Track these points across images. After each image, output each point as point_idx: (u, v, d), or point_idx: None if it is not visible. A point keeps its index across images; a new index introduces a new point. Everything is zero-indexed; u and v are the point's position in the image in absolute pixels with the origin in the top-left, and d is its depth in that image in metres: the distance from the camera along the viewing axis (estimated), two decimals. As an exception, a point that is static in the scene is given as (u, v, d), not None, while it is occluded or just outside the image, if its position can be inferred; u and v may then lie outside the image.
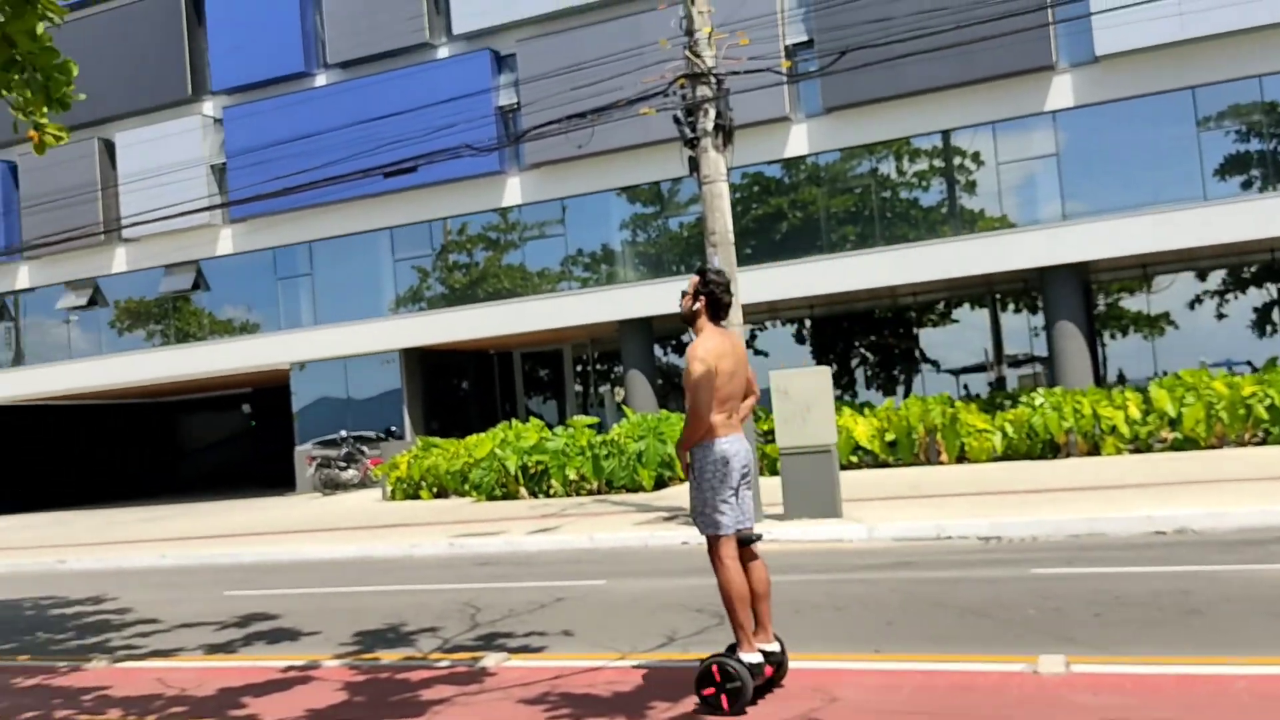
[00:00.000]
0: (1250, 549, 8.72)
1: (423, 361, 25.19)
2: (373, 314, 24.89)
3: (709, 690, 5.27)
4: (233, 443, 37.68)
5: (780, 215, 22.13)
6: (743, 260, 13.59)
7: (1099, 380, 20.51)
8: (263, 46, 24.95)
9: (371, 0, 23.94)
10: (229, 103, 25.66)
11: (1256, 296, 20.70)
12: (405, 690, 6.29)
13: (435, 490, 19.88)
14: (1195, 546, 9.08)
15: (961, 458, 17.31)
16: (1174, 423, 16.31)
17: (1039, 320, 21.76)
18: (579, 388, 27.53)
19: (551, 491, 17.77)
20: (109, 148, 26.49)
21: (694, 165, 12.59)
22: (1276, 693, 5.03)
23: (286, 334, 25.67)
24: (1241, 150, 19.21)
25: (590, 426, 18.79)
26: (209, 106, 26.10)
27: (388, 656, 7.35)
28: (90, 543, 18.19)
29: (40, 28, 5.88)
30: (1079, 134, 19.87)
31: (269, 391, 31.27)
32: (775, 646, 5.58)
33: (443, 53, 24.04)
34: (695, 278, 5.69)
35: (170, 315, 27.42)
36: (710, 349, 5.41)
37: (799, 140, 21.45)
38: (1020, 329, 22.78)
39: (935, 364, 23.29)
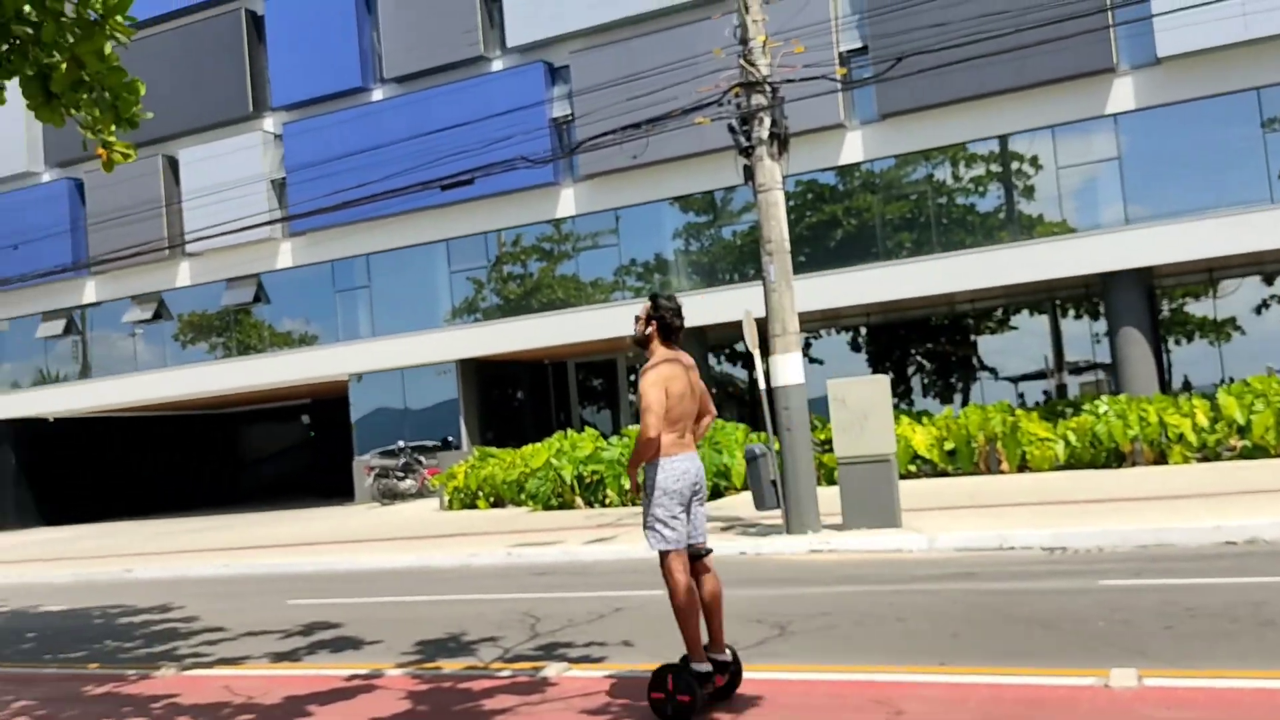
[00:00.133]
0: (1327, 560, 8.49)
1: (478, 372, 25.38)
2: (429, 325, 25.13)
3: (658, 695, 5.51)
4: (292, 453, 38.27)
5: (835, 222, 21.99)
6: (797, 268, 13.51)
7: (1164, 387, 20.08)
8: (321, 63, 25.36)
9: (427, 15, 24.23)
10: (289, 119, 26.10)
11: (1327, 300, 20.17)
12: (468, 700, 6.33)
13: (492, 500, 20.00)
14: (1268, 557, 8.85)
15: (1023, 467, 17.04)
16: (1243, 430, 15.91)
17: (1101, 326, 21.38)
18: (633, 397, 27.56)
19: (607, 501, 17.79)
20: (173, 164, 27.07)
21: (749, 174, 12.56)
22: (1360, 709, 4.88)
23: (345, 345, 26.01)
24: (1310, 151, 18.75)
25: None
26: (269, 122, 26.58)
27: (449, 666, 7.40)
28: (155, 552, 18.56)
29: (108, 48, 6.01)
30: (1141, 137, 19.52)
31: (328, 402, 31.71)
32: (728, 656, 5.78)
33: (497, 66, 24.26)
34: (648, 303, 5.88)
35: (232, 328, 27.93)
36: (662, 372, 5.66)
37: (854, 147, 21.32)
38: (1082, 335, 22.40)
39: (993, 371, 22.98)
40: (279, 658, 8.40)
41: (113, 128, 6.37)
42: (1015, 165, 20.71)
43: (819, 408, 14.58)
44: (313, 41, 25.44)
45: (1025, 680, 5.66)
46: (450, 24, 23.89)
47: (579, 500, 18.09)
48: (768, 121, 12.27)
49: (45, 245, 26.61)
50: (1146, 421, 16.33)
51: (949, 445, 17.50)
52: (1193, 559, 9.06)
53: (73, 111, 6.21)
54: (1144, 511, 11.21)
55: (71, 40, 5.83)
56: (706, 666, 5.61)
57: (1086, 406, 17.36)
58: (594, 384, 28.45)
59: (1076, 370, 22.32)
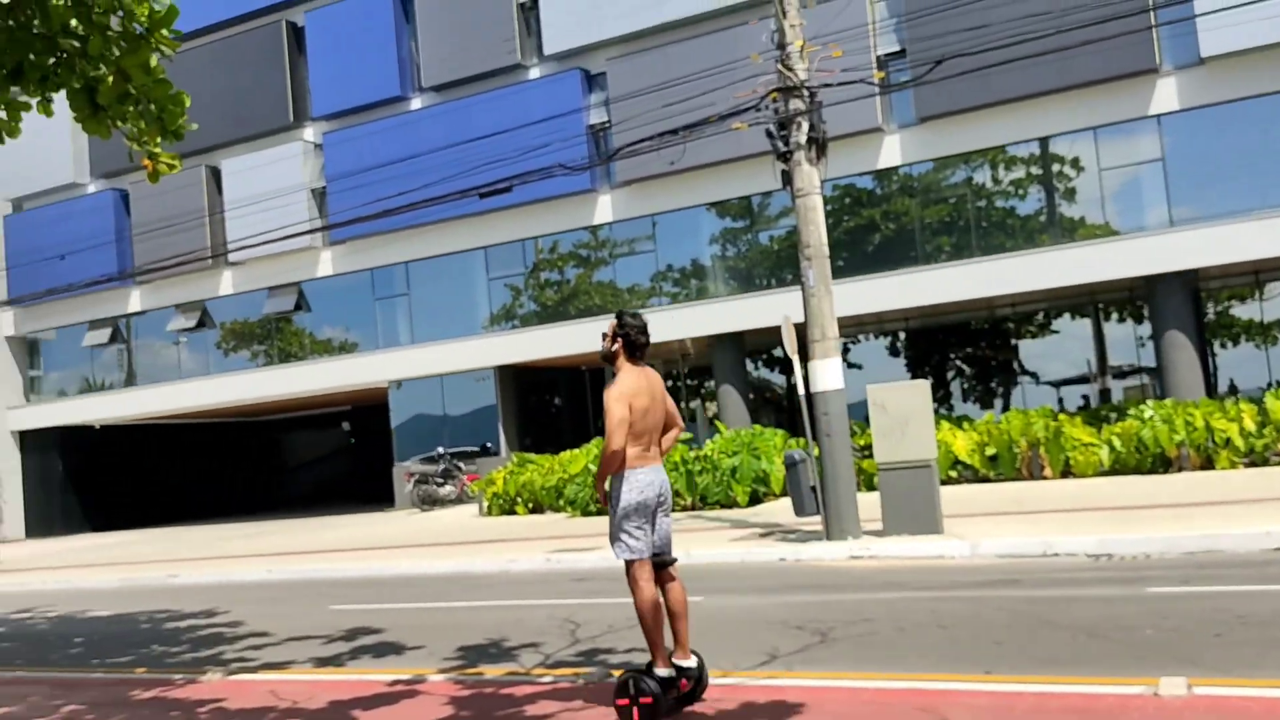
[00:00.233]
0: (1382, 568, 8.32)
1: (516, 378, 25.49)
2: (468, 332, 25.28)
3: (623, 701, 5.68)
4: (333, 459, 38.65)
5: (873, 227, 21.88)
6: (835, 273, 13.44)
7: (1210, 391, 19.78)
8: (360, 73, 25.62)
9: (464, 24, 24.41)
10: (328, 128, 26.39)
11: (1378, 302, 19.79)
12: (510, 705, 6.34)
13: (530, 506, 20.06)
14: (1321, 565, 8.69)
15: (1067, 472, 16.84)
16: (1292, 435, 15.65)
17: (1145, 330, 21.10)
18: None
19: (645, 507, 17.76)
20: (215, 175, 27.45)
21: (787, 179, 12.53)
22: None
23: (384, 353, 26.22)
24: (1360, 150, 18.40)
25: (683, 442, 18.78)
26: (309, 132, 26.87)
27: (491, 671, 7.43)
28: (199, 558, 18.78)
29: (153, 61, 6.10)
30: (1185, 138, 19.26)
31: (368, 409, 31.98)
32: (692, 663, 5.94)
33: (534, 73, 24.38)
34: (614, 320, 6.05)
35: (273, 336, 28.25)
36: (626, 388, 5.84)
37: (892, 151, 21.20)
38: (1125, 339, 22.13)
39: (1034, 376, 22.75)
40: (323, 663, 8.47)
41: (158, 139, 6.48)
42: (1056, 167, 20.49)
43: (858, 413, 14.52)
44: (352, 52, 25.71)
45: (1072, 689, 5.58)
46: (488, 33, 24.05)
47: (617, 506, 18.07)
48: (805, 126, 12.24)
49: (91, 255, 27.07)
50: (1193, 426, 16.09)
51: (990, 450, 17.34)
52: (1242, 565, 8.91)
53: (119, 124, 6.31)
54: (1191, 517, 11.04)
55: (117, 53, 5.93)
56: (669, 672, 5.79)
57: (1131, 411, 17.13)
58: (631, 390, 28.43)
59: (1120, 374, 22.04)
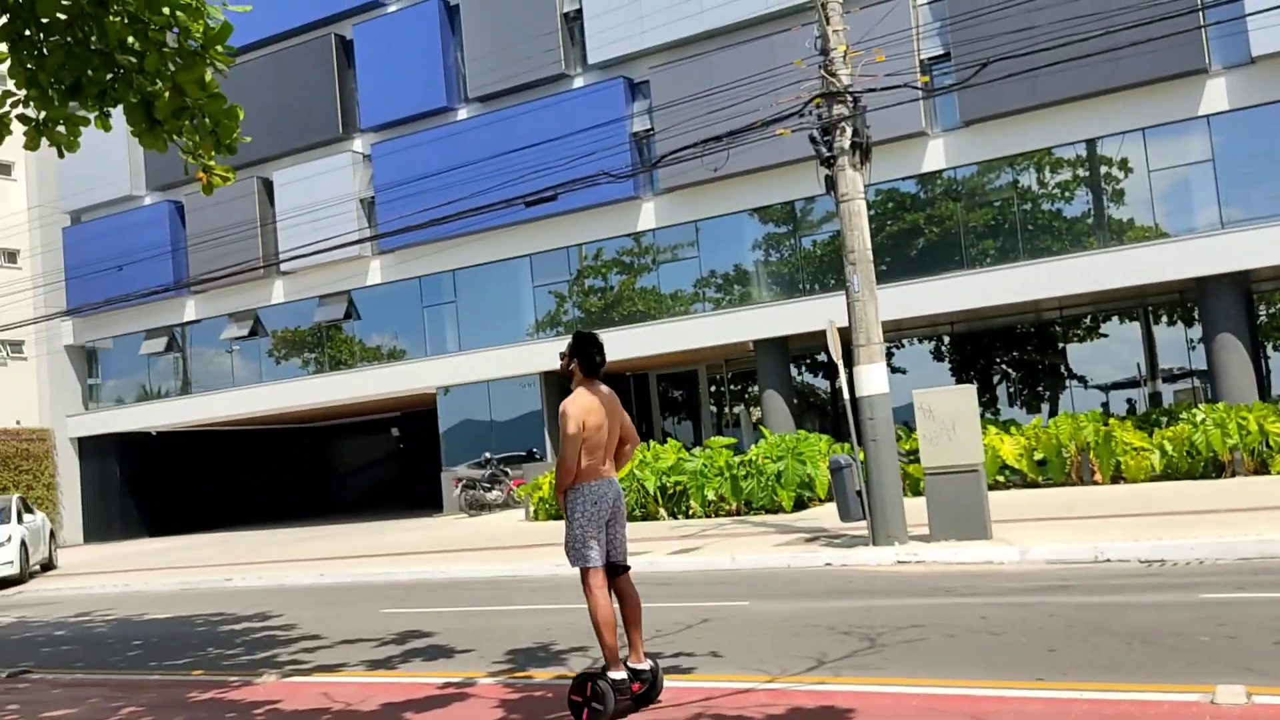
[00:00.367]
0: None
1: (561, 384, 25.60)
2: (513, 339, 25.46)
3: (577, 698, 5.98)
4: (382, 465, 39.07)
5: (917, 231, 21.75)
6: (879, 277, 13.39)
7: (1263, 394, 19.42)
8: (408, 84, 25.92)
9: (509, 35, 24.62)
10: (377, 139, 26.72)
11: None
12: (559, 709, 6.40)
13: (576, 511, 20.13)
14: (1381, 571, 8.53)
15: (1117, 477, 16.63)
16: (1350, 439, 15.34)
17: (1195, 332, 20.77)
18: (714, 408, 27.55)
19: (690, 512, 17.82)
20: (267, 186, 27.89)
21: (831, 184, 12.53)
22: None
23: (432, 360, 26.47)
24: None
25: (727, 447, 18.79)
26: (358, 143, 27.23)
27: (540, 675, 7.50)
28: (253, 562, 19.09)
29: (208, 76, 6.26)
30: (1235, 138, 18.95)
31: (416, 415, 32.29)
32: (647, 666, 6.23)
33: (578, 83, 24.52)
34: (571, 340, 6.41)
35: (324, 344, 28.64)
36: (580, 405, 6.18)
37: (936, 155, 21.07)
38: (1175, 342, 21.80)
39: (1083, 380, 22.48)
40: (375, 665, 8.60)
41: (212, 153, 6.65)
42: (1104, 169, 20.25)
43: (902, 417, 14.45)
44: (399, 64, 26.03)
45: (1126, 696, 5.54)
46: (532, 43, 24.23)
47: (662, 511, 18.15)
48: (849, 131, 12.24)
49: (148, 266, 27.60)
50: (1246, 430, 15.83)
51: (1039, 455, 17.18)
52: (1299, 572, 8.78)
53: (175, 137, 6.47)
54: (1246, 523, 10.87)
55: (173, 69, 6.09)
56: (622, 674, 6.07)
57: (1183, 415, 16.89)
58: (675, 395, 28.50)
59: (1170, 378, 21.72)
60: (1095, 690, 5.70)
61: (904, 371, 23.39)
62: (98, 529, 31.63)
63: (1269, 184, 18.75)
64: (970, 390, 12.22)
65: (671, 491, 18.14)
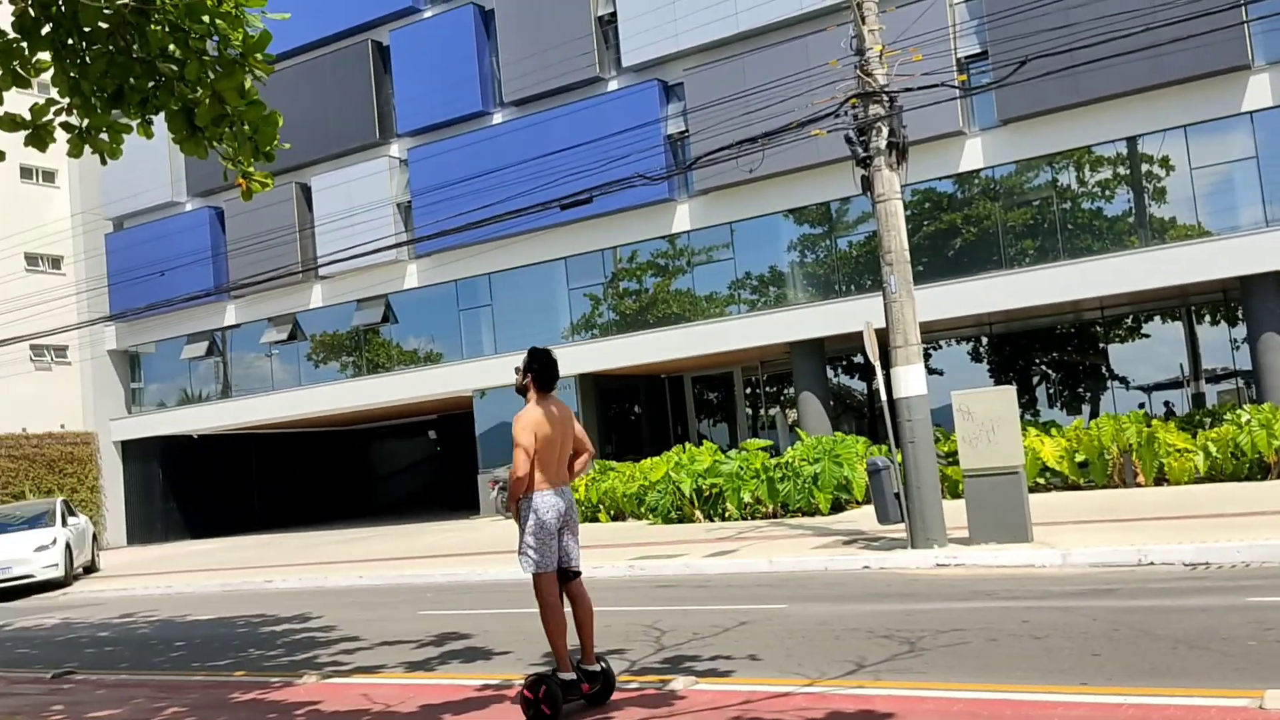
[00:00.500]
0: None
1: (596, 386, 25.65)
2: (549, 341, 25.43)
3: (529, 695, 6.27)
4: (420, 467, 39.32)
5: (954, 231, 21.57)
6: (916, 278, 13.27)
7: (1311, 395, 19.06)
8: (444, 89, 26.07)
9: (544, 39, 24.69)
10: (413, 144, 26.90)
11: None
12: (598, 712, 6.41)
13: (612, 513, 20.18)
14: None
15: (1160, 479, 16.39)
16: (1402, 440, 15.02)
17: (1240, 332, 20.43)
18: (749, 410, 27.47)
19: (726, 515, 17.77)
20: (305, 191, 28.16)
21: (867, 184, 12.47)
22: None
23: (468, 363, 26.59)
24: None
25: (763, 449, 18.72)
26: (395, 148, 27.42)
27: (578, 677, 7.50)
28: (292, 564, 19.27)
29: (248, 83, 6.32)
30: (1279, 134, 18.64)
31: (453, 418, 32.45)
32: (598, 667, 6.55)
33: (612, 85, 24.56)
34: (525, 357, 6.67)
35: (362, 347, 28.86)
36: (532, 418, 6.46)
37: (973, 154, 20.88)
38: (1219, 342, 21.46)
39: (1124, 381, 22.18)
40: (413, 667, 8.65)
41: (251, 159, 6.72)
42: (1145, 167, 19.99)
43: (940, 419, 14.33)
44: (435, 69, 26.18)
45: (1173, 701, 5.46)
46: (567, 47, 24.29)
47: (698, 513, 18.12)
48: (885, 131, 12.17)
49: (189, 271, 27.96)
50: (1293, 431, 15.55)
51: (1080, 457, 16.97)
52: (1350, 576, 8.61)
53: (215, 144, 6.55)
54: (1294, 526, 10.68)
55: (213, 77, 6.16)
56: (572, 675, 6.40)
57: (1228, 416, 16.62)
58: (710, 397, 28.46)
59: (1214, 378, 21.38)
60: (1140, 695, 5.62)
61: (941, 373, 23.20)
62: (141, 531, 32.08)
63: (1315, 180, 18.41)
64: (1010, 391, 12.10)
65: (707, 494, 18.10)
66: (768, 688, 6.56)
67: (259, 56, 6.26)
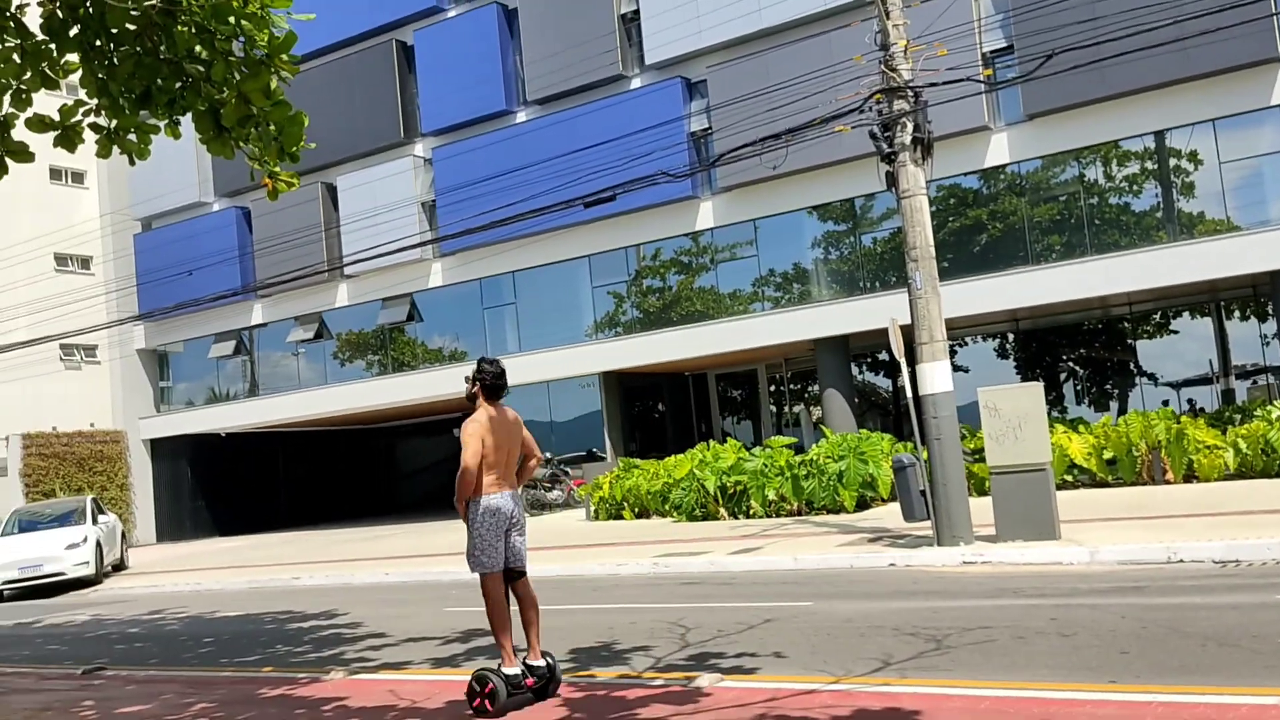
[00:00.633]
0: None
1: (621, 384, 25.66)
2: (573, 339, 25.55)
3: (476, 689, 6.59)
4: (445, 465, 39.37)
5: (979, 227, 21.44)
6: (941, 274, 13.18)
7: (1344, 391, 18.84)
8: (468, 88, 26.13)
9: (567, 37, 24.72)
10: (438, 143, 26.99)
11: None
12: (622, 708, 6.42)
13: (637, 510, 20.19)
14: None
15: (1189, 476, 16.23)
16: None
17: (1270, 327, 20.21)
18: (773, 408, 27.41)
19: (751, 512, 17.74)
20: (331, 191, 28.32)
21: (891, 180, 12.41)
22: None
23: (492, 361, 26.65)
24: None
25: (788, 447, 18.67)
26: (419, 148, 27.52)
27: (602, 674, 7.52)
28: (318, 561, 19.39)
29: (273, 83, 6.35)
30: (1312, 127, 18.39)
31: (476, 416, 32.48)
32: (543, 663, 6.84)
33: (636, 83, 24.55)
34: (474, 367, 6.98)
35: (387, 346, 29.02)
36: (480, 424, 6.76)
37: (999, 149, 20.74)
38: (1249, 338, 21.22)
39: (1153, 377, 21.98)
40: (439, 663, 8.69)
41: (277, 159, 6.75)
42: (1173, 162, 19.78)
43: (965, 416, 14.24)
44: (459, 68, 26.26)
45: (1203, 699, 5.41)
46: (590, 45, 24.30)
47: (722, 511, 18.10)
48: (910, 127, 12.11)
49: (216, 271, 28.19)
50: (1325, 427, 15.36)
51: (1108, 454, 16.82)
52: (1384, 574, 8.49)
53: (241, 144, 6.58)
54: (1327, 523, 10.55)
55: (239, 78, 6.20)
56: (516, 670, 6.70)
57: (1258, 412, 16.44)
58: (734, 395, 28.42)
59: (1244, 374, 21.15)
60: (1169, 693, 5.57)
61: (967, 370, 23.06)
62: (170, 529, 32.39)
63: (1348, 174, 18.17)
64: (1037, 388, 12.02)
65: (732, 491, 18.08)
66: (793, 685, 6.55)
67: (284, 57, 6.30)
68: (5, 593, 19.29)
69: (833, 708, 5.91)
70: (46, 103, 6.21)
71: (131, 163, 6.89)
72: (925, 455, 12.25)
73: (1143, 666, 6.23)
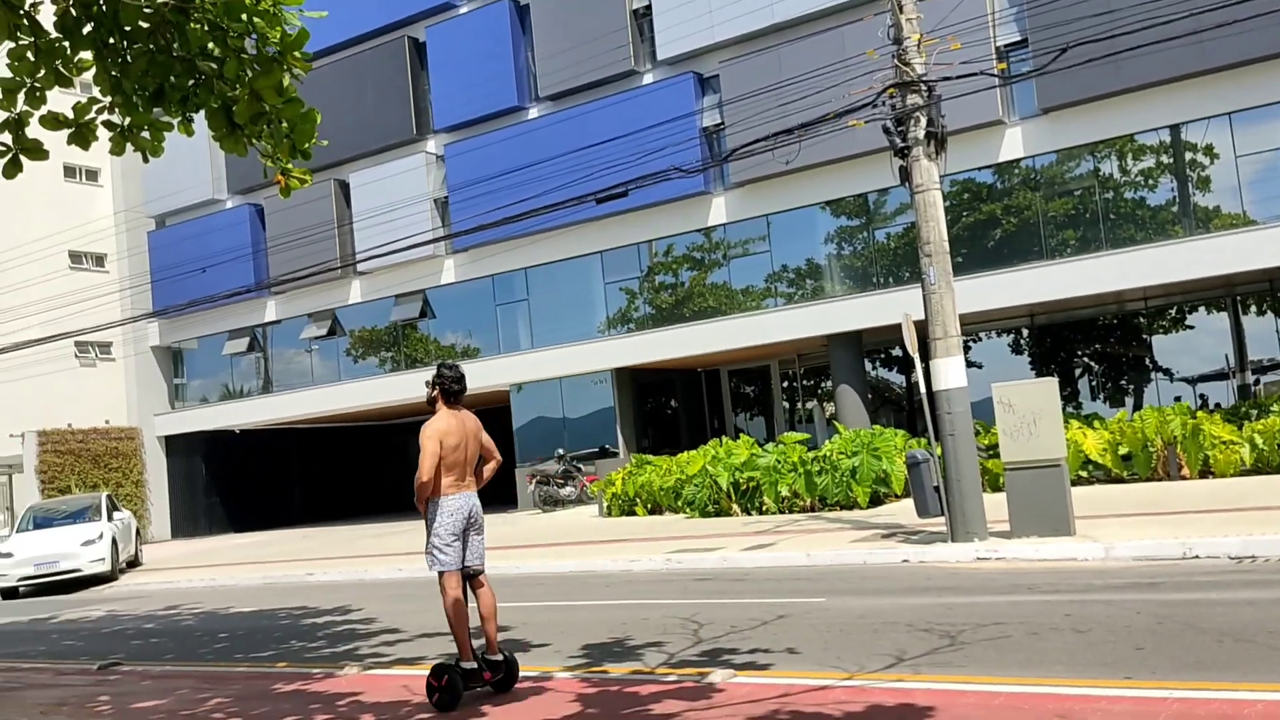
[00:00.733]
0: None
1: (633, 380, 25.66)
2: (585, 336, 25.55)
3: (434, 682, 6.81)
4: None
5: (994, 222, 21.35)
6: (955, 269, 13.13)
7: (1362, 386, 18.70)
8: (480, 85, 26.15)
9: (579, 33, 24.70)
10: (450, 140, 27.02)
11: None
12: (635, 704, 6.41)
13: (649, 507, 20.19)
14: None
15: (1205, 472, 16.14)
16: None
17: (1288, 323, 20.08)
18: (786, 404, 27.36)
19: (764, 508, 17.72)
20: (344, 188, 28.37)
21: (905, 175, 12.36)
22: None
23: (505, 357, 26.70)
24: None
25: (801, 443, 18.63)
26: (432, 144, 27.55)
27: (616, 670, 7.52)
28: (332, 557, 19.45)
29: (286, 80, 6.36)
30: (1330, 119, 18.24)
31: (490, 412, 32.41)
32: (500, 657, 7.09)
33: (648, 79, 24.52)
34: (433, 372, 7.25)
35: (400, 342, 29.08)
36: (437, 428, 6.97)
37: (1013, 143, 20.64)
38: (1266, 333, 21.08)
39: (1168, 372, 21.85)
40: (453, 659, 8.68)
41: (290, 156, 6.76)
42: (1189, 156, 19.66)
43: (979, 412, 14.19)
44: (471, 65, 26.27)
45: (1219, 695, 5.38)
46: (602, 40, 24.28)
47: (735, 507, 18.08)
48: (924, 121, 12.06)
49: (230, 268, 28.28)
50: (1343, 423, 15.25)
51: (1124, 450, 16.74)
52: (1402, 570, 8.43)
53: (254, 141, 6.59)
54: (1344, 519, 10.48)
55: (251, 75, 6.20)
56: (473, 665, 6.93)
57: (1275, 407, 16.34)
58: (747, 391, 28.38)
59: (1261, 369, 21.01)
60: (1186, 689, 5.54)
61: (980, 366, 22.97)
62: (184, 525, 32.54)
63: (1365, 167, 18.02)
64: (1052, 383, 11.96)
65: (744, 487, 18.06)
66: (806, 681, 6.53)
67: (296, 54, 6.29)
68: (21, 589, 19.41)
69: (846, 703, 5.90)
70: (60, 100, 6.23)
71: (145, 160, 6.92)
72: (939, 451, 12.21)
73: (1158, 662, 6.20)
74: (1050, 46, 14.41)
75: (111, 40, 6.09)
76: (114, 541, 20.12)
